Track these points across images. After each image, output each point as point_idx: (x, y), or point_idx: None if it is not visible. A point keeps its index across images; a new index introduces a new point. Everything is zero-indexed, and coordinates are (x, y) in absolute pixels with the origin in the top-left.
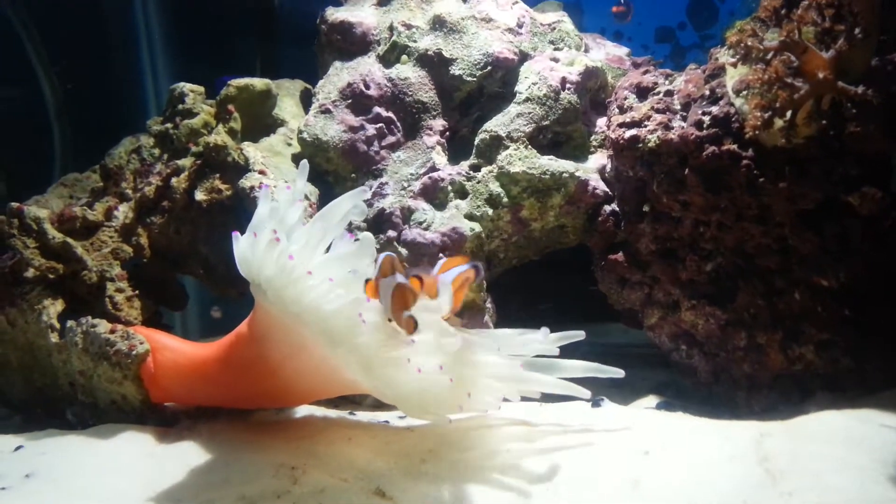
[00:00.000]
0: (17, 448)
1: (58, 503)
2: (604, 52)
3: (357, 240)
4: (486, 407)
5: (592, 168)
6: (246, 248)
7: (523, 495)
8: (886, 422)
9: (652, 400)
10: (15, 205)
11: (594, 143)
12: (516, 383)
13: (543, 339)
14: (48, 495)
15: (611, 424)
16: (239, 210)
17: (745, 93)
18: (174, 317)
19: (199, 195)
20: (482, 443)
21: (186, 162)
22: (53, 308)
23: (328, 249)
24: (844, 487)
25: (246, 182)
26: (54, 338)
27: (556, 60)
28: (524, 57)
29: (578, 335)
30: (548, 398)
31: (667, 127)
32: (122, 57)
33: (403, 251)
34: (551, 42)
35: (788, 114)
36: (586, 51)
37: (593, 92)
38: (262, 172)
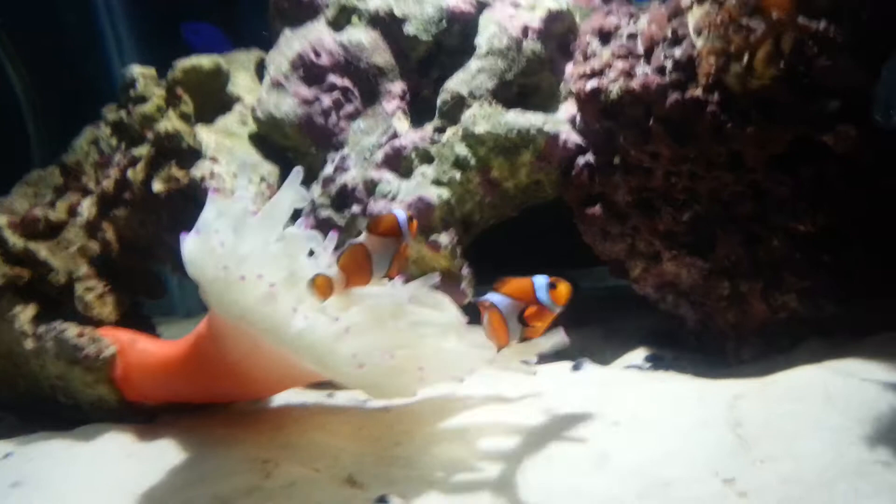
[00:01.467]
0: (7, 455)
1: None
2: None
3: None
4: (449, 379)
5: (563, 119)
6: (192, 251)
7: (489, 476)
8: (866, 374)
9: (641, 352)
10: None
11: (564, 92)
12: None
13: None
14: None
15: (586, 392)
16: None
17: (705, 33)
18: (174, 299)
19: (157, 185)
20: (453, 422)
21: (143, 151)
22: (24, 315)
23: None
24: (819, 452)
25: (197, 172)
26: (28, 344)
27: (516, 6)
28: (482, 6)
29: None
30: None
31: (629, 75)
32: (85, 39)
33: None
34: None
35: (745, 58)
36: None
37: (560, 36)
38: (213, 160)
